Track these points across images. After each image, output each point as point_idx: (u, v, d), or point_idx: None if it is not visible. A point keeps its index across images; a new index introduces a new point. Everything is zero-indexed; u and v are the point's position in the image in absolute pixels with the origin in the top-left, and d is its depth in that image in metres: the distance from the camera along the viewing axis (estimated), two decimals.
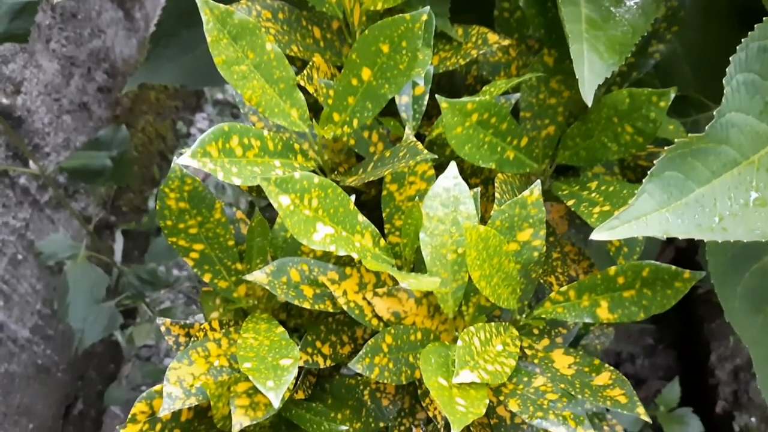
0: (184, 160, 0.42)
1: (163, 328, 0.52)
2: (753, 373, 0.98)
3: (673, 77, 0.54)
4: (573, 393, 0.45)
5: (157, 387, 0.48)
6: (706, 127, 0.36)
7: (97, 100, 1.16)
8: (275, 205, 0.41)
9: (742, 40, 0.38)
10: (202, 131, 1.55)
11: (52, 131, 1.00)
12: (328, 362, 0.50)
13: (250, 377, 0.41)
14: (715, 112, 0.36)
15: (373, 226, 0.47)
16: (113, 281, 1.11)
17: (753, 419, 0.95)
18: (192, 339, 0.51)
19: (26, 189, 0.94)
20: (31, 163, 0.86)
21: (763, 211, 0.37)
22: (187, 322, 0.53)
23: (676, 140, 0.35)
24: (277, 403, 0.40)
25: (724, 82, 0.36)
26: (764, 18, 0.38)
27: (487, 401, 0.41)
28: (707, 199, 0.37)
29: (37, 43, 0.97)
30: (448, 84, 0.62)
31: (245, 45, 0.46)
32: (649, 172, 0.36)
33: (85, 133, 1.10)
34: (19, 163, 0.91)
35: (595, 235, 0.34)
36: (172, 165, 0.45)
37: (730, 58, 0.36)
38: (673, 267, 0.44)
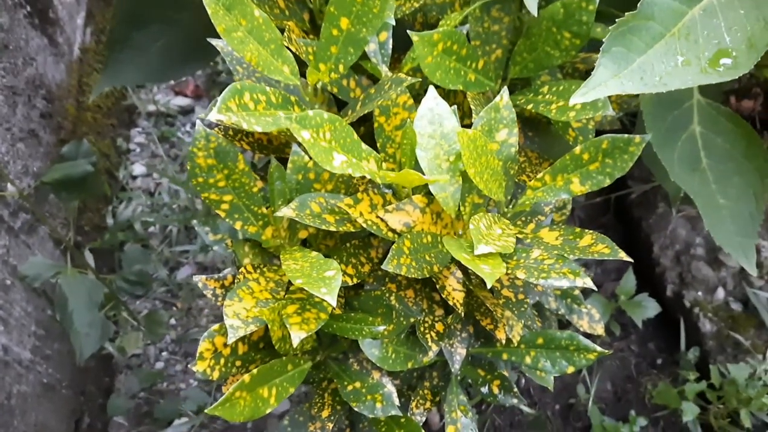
0: (212, 115, 0.48)
1: (200, 284, 0.59)
2: (692, 254, 1.11)
3: None
4: (565, 256, 0.55)
5: (215, 327, 0.54)
6: (638, 5, 0.45)
7: (42, 126, 1.18)
8: (300, 140, 0.48)
9: None
10: (141, 145, 1.57)
11: (10, 160, 1.03)
12: (355, 280, 0.58)
13: (306, 288, 0.48)
14: None
15: (375, 152, 0.54)
16: None
17: (699, 293, 1.08)
18: (234, 284, 0.57)
19: (0, 217, 0.96)
20: (9, 186, 0.89)
21: (689, 68, 0.47)
22: (220, 275, 0.59)
23: (617, 20, 0.45)
24: (334, 303, 0.47)
25: None
26: None
27: (505, 265, 0.50)
28: (647, 65, 0.46)
29: None
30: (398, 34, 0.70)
31: (237, 14, 0.52)
32: (601, 49, 0.45)
33: (38, 159, 1.13)
34: None
35: (573, 100, 0.43)
36: (196, 127, 0.51)
37: None
38: (626, 135, 0.54)
